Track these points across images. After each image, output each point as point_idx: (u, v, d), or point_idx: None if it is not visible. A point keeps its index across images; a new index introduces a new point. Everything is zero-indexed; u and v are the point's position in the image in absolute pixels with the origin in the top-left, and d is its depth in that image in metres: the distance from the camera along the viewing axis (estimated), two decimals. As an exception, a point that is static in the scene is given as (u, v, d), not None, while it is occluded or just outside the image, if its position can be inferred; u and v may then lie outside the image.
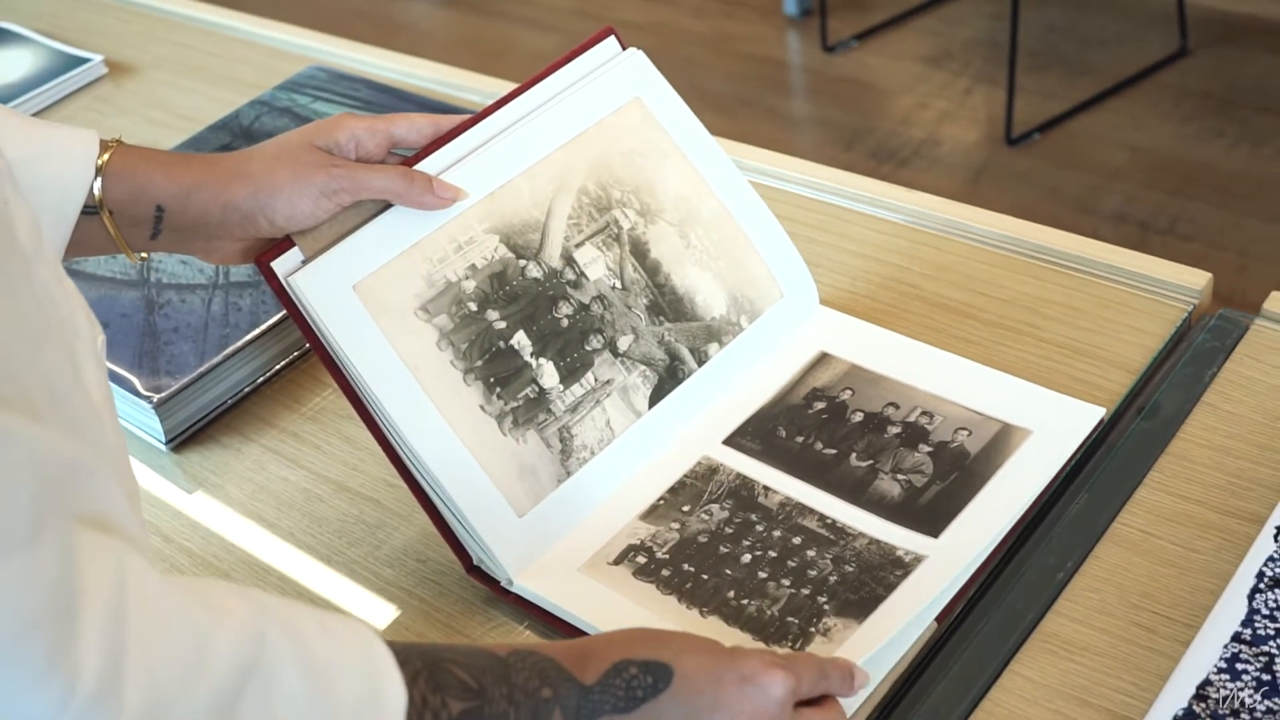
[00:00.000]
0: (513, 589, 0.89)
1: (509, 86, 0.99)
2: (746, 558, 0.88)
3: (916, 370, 0.98)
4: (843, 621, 0.83)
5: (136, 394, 1.05)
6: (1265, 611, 0.78)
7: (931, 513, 0.89)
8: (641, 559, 0.89)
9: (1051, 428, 0.92)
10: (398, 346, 0.88)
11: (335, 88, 1.41)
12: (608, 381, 0.95)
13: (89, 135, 0.88)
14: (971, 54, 3.21)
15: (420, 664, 0.65)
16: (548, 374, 0.93)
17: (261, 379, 1.11)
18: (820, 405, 0.98)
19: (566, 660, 0.70)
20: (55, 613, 0.50)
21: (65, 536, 0.51)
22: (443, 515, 0.90)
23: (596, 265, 0.97)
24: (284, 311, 1.10)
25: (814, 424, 0.96)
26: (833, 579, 0.86)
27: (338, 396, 1.08)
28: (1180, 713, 0.74)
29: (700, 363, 0.98)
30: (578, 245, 0.96)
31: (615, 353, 0.95)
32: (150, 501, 1.02)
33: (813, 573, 0.86)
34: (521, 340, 0.93)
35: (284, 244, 0.88)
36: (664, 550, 0.89)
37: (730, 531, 0.90)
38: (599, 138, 0.99)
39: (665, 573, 0.88)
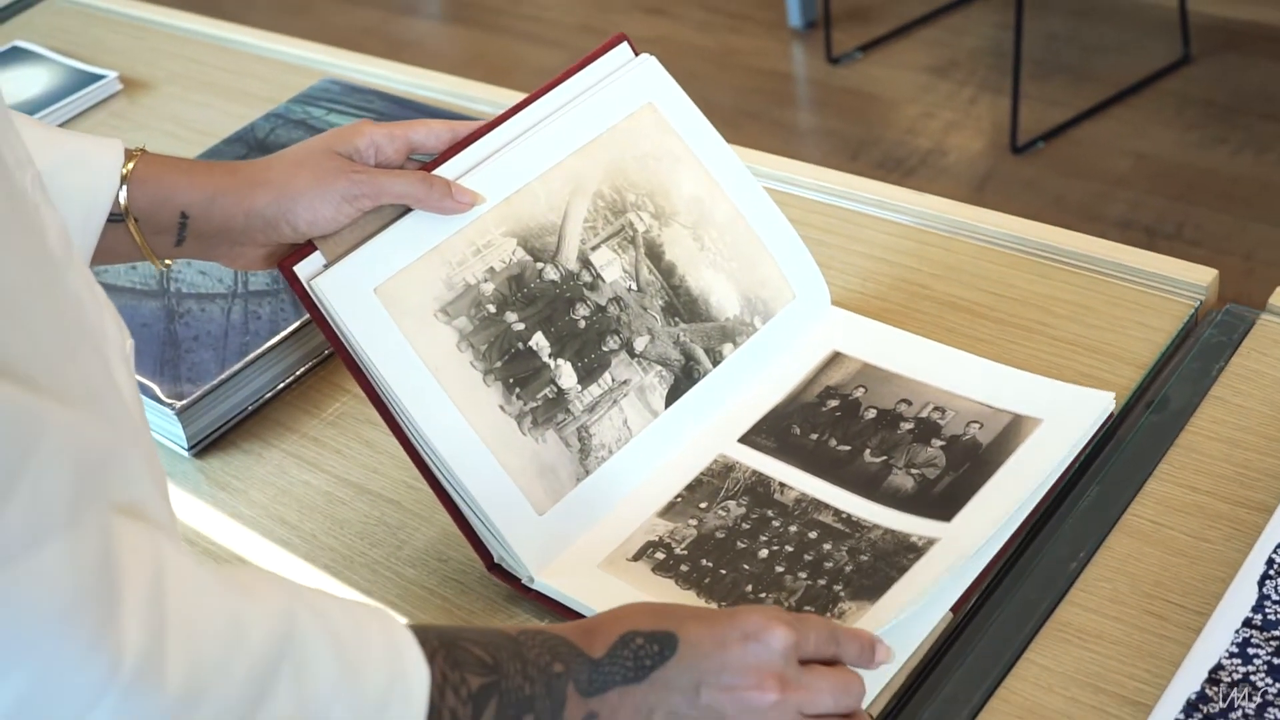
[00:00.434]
0: (533, 586, 0.90)
1: (519, 98, 1.01)
2: (763, 552, 0.89)
3: (928, 367, 1.00)
4: (856, 604, 0.84)
5: (159, 401, 1.06)
6: (1275, 597, 0.79)
7: (944, 500, 0.90)
8: (660, 555, 0.91)
9: (1062, 416, 0.93)
10: (419, 348, 0.90)
11: (349, 100, 1.42)
12: (625, 381, 0.96)
13: (114, 144, 0.90)
14: (975, 63, 3.22)
15: (438, 643, 0.66)
16: (566, 374, 0.94)
17: (281, 385, 1.12)
18: (834, 403, 0.99)
19: (574, 636, 0.71)
20: (98, 592, 0.51)
21: (104, 520, 0.53)
22: (464, 514, 0.91)
23: (612, 267, 0.98)
24: (303, 318, 1.12)
25: (828, 421, 0.98)
26: (848, 569, 0.87)
27: (357, 402, 1.09)
28: (1193, 696, 0.75)
29: (715, 363, 1.00)
30: (594, 248, 0.98)
31: (632, 353, 0.97)
32: (173, 506, 1.03)
33: (829, 565, 0.87)
34: (540, 341, 0.94)
35: (306, 249, 0.90)
36: (682, 546, 0.91)
37: (747, 527, 0.91)
38: (613, 142, 1.00)
39: (684, 568, 0.89)
